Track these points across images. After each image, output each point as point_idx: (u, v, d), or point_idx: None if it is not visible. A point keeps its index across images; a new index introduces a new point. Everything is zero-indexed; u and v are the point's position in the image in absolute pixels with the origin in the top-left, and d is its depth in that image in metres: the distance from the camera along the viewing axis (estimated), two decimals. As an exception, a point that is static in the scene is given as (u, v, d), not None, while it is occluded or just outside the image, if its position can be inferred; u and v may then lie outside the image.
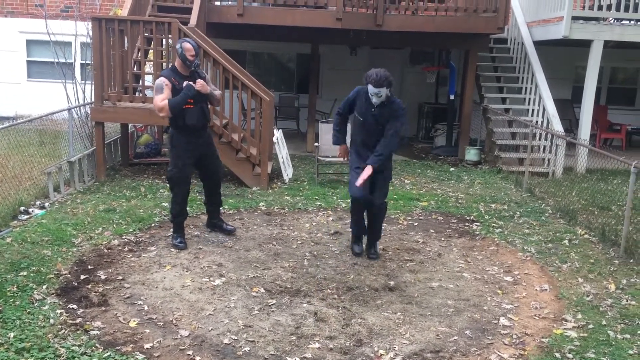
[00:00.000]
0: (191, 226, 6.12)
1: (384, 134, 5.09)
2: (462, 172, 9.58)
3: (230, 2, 10.03)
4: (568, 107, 12.48)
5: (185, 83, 5.24)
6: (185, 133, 5.40)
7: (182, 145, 5.41)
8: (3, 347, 3.54)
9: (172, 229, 5.68)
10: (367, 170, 4.99)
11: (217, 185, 5.88)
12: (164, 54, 8.02)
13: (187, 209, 6.67)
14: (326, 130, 8.28)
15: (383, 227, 6.35)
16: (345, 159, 5.59)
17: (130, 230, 5.92)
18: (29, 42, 13.44)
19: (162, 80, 5.24)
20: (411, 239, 6.04)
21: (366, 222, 5.48)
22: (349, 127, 5.57)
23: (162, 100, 5.17)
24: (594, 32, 9.76)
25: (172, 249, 5.43)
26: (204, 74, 5.53)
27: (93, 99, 7.87)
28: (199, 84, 5.29)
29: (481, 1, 9.93)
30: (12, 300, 4.16)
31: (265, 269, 5.04)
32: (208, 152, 5.64)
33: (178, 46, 5.31)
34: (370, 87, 4.92)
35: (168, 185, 5.57)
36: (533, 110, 10.51)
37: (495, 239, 6.12)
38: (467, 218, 6.88)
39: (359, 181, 4.98)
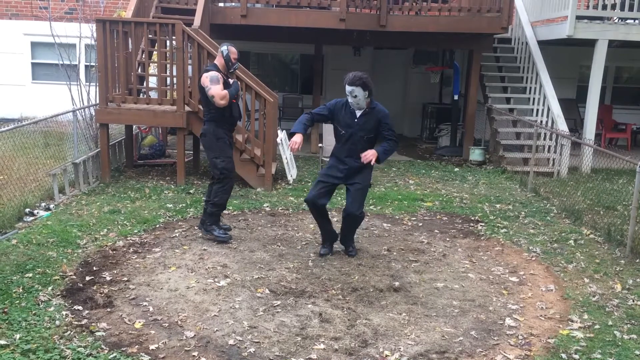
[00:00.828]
0: (196, 227, 6.12)
1: (385, 137, 5.16)
2: (467, 172, 9.57)
3: (233, 4, 10.05)
4: (573, 107, 12.45)
5: (232, 80, 5.79)
6: (227, 127, 5.79)
7: (225, 138, 5.76)
8: (9, 349, 3.55)
9: (208, 222, 5.75)
10: (372, 154, 5.03)
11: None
12: (167, 55, 8.04)
13: (192, 209, 6.73)
14: (329, 131, 8.27)
15: (387, 228, 6.38)
16: (296, 149, 5.07)
17: (135, 231, 5.93)
18: (34, 44, 13.50)
19: (217, 73, 5.62)
20: (416, 240, 6.03)
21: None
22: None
23: (222, 89, 5.58)
24: (599, 31, 9.74)
25: (176, 250, 5.43)
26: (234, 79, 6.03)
27: (97, 101, 7.89)
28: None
29: (485, 1, 9.92)
30: (17, 301, 4.17)
31: (270, 269, 5.04)
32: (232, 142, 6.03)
33: (224, 48, 5.71)
34: (346, 87, 4.97)
35: (220, 177, 5.68)
36: (537, 110, 10.50)
37: (501, 239, 6.10)
38: (472, 218, 6.86)
39: (365, 158, 5.01)
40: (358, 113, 5.10)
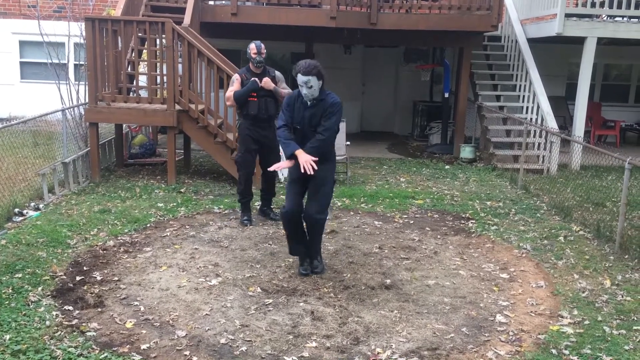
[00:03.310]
0: (187, 226, 6.11)
1: (317, 132, 4.66)
2: (458, 170, 9.60)
3: (224, 2, 10.01)
4: (562, 104, 12.53)
5: (252, 79, 6.05)
6: (249, 122, 6.15)
7: (245, 133, 6.18)
8: (-1, 350, 3.53)
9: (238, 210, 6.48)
10: (305, 157, 4.53)
11: (273, 178, 6.55)
12: (157, 54, 8.00)
13: (183, 209, 6.72)
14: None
15: (378, 225, 6.39)
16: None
17: (126, 231, 5.90)
18: (22, 43, 13.38)
19: (235, 75, 6.23)
20: (407, 237, 6.05)
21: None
22: None
23: (230, 91, 6.13)
24: (588, 29, 9.80)
25: (167, 250, 5.42)
26: (274, 73, 6.27)
27: (87, 100, 7.84)
28: (264, 81, 6.04)
29: (475, -1, 9.96)
30: (7, 302, 4.14)
31: (262, 268, 5.04)
32: (271, 146, 6.24)
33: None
34: (299, 77, 4.52)
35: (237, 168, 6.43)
36: (527, 107, 10.55)
37: (491, 236, 6.13)
38: (463, 216, 6.89)
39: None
40: (306, 96, 4.62)
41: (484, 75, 11.56)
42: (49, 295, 4.32)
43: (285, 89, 6.19)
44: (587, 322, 4.17)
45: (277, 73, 6.32)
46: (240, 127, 6.27)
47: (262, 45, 6.12)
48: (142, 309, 4.20)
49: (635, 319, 4.25)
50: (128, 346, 3.68)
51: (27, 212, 6.28)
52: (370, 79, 13.96)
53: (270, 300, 4.38)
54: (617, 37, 10.12)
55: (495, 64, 11.70)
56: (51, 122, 7.71)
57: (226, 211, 6.72)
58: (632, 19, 10.23)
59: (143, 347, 3.67)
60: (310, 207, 4.76)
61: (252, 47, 6.10)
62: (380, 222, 6.53)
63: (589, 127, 12.03)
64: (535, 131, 9.93)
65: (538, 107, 10.21)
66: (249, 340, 3.79)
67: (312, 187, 4.76)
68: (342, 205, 7.12)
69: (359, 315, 4.19)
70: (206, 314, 4.14)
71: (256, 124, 6.14)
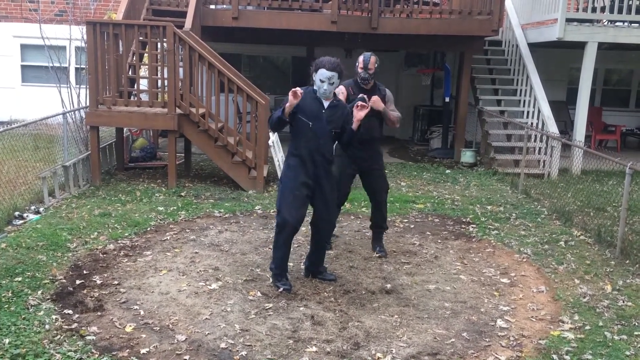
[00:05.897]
0: (187, 230, 6.11)
1: (346, 129, 4.66)
2: (458, 174, 9.60)
3: (225, 6, 10.04)
4: (563, 109, 12.54)
5: (360, 95, 5.23)
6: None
7: (339, 152, 5.35)
8: (-2, 354, 3.53)
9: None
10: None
11: (384, 203, 5.77)
12: (158, 57, 8.01)
13: (183, 212, 6.73)
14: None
15: (379, 230, 6.38)
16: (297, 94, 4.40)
17: (126, 234, 5.89)
18: (23, 47, 13.42)
19: (340, 87, 5.25)
20: (408, 242, 6.04)
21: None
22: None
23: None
24: (588, 33, 9.81)
25: (167, 254, 5.41)
26: (385, 92, 5.52)
27: (88, 103, 7.84)
28: (373, 100, 5.26)
29: (475, 4, 9.98)
30: (7, 306, 4.13)
31: (262, 272, 5.03)
32: (369, 169, 5.54)
33: None
34: (323, 72, 4.41)
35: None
36: (528, 112, 10.56)
37: (492, 241, 6.12)
38: (464, 220, 6.88)
39: (359, 114, 4.52)
40: (325, 103, 4.54)
41: (484, 80, 11.58)
42: (48, 299, 4.31)
43: (394, 112, 5.51)
44: (588, 327, 4.16)
45: (388, 92, 5.61)
46: (336, 146, 5.31)
47: (372, 59, 5.34)
48: (142, 313, 4.19)
49: (637, 324, 4.24)
50: (128, 350, 3.67)
51: (27, 216, 6.28)
52: (371, 83, 13.95)
53: (271, 305, 4.37)
54: (618, 42, 10.13)
55: (496, 68, 11.72)
56: (52, 125, 7.71)
57: (226, 215, 6.72)
58: (632, 24, 10.24)
59: (143, 351, 3.66)
60: (333, 212, 4.78)
61: (360, 60, 5.38)
62: (381, 227, 6.51)
63: (590, 131, 12.03)
64: (536, 136, 9.93)
65: (539, 111, 10.22)
66: (249, 345, 3.78)
67: (330, 194, 4.64)
68: (343, 209, 7.08)
69: (359, 320, 4.18)
70: (206, 318, 4.13)
71: (357, 144, 5.24)
